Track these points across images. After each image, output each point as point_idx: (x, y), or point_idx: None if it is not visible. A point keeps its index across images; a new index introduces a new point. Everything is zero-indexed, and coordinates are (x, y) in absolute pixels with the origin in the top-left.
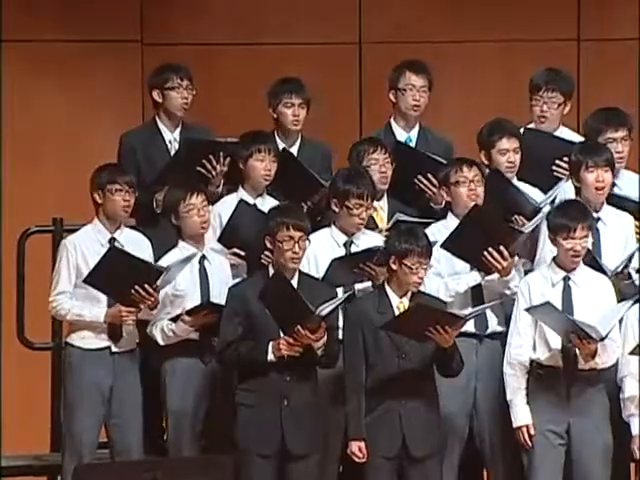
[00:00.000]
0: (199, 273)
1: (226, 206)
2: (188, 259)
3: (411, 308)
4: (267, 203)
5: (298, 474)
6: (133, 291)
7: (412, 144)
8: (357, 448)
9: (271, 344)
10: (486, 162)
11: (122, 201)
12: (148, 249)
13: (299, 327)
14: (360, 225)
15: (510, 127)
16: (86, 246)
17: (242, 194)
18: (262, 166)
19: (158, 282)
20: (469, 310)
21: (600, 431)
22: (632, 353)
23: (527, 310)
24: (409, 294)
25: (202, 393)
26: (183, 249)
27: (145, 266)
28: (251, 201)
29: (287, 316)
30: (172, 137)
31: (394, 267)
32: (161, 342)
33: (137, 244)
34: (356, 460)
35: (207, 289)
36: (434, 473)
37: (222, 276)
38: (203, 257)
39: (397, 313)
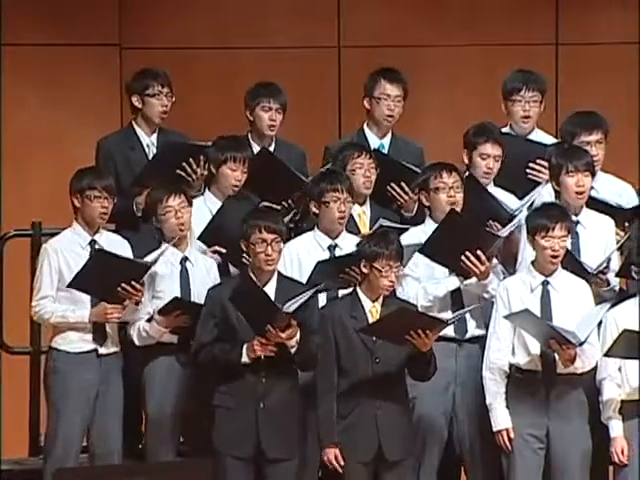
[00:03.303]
0: (180, 274)
1: (194, 209)
2: (158, 256)
3: (392, 312)
4: None
5: (275, 477)
6: (120, 289)
7: (385, 150)
8: (332, 455)
9: (245, 345)
10: (466, 162)
11: (100, 207)
12: (128, 252)
13: (269, 326)
14: (341, 220)
15: (496, 134)
16: (67, 250)
17: (208, 197)
18: (234, 175)
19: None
20: (450, 314)
21: (579, 435)
22: (607, 355)
23: (506, 317)
24: (381, 299)
25: (181, 396)
26: (166, 252)
27: (131, 263)
28: (217, 205)
29: (257, 316)
30: (150, 141)
31: (365, 270)
32: (137, 343)
33: (117, 247)
34: (331, 468)
35: (188, 291)
36: (409, 476)
37: (206, 278)
38: (185, 258)
39: (369, 317)
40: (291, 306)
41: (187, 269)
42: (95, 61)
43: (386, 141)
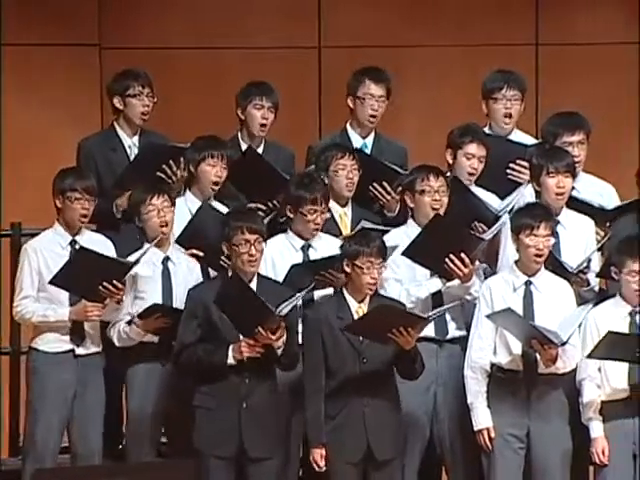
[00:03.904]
0: (162, 275)
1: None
2: (141, 255)
3: (373, 309)
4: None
5: (257, 477)
6: (101, 287)
7: (367, 150)
8: (319, 456)
9: (231, 347)
10: (450, 161)
11: (81, 209)
12: (111, 251)
13: (260, 328)
14: (315, 230)
15: (481, 134)
16: (47, 250)
17: (189, 198)
18: (213, 172)
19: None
20: (431, 312)
21: (559, 435)
22: (589, 356)
23: (488, 317)
24: (367, 299)
25: (162, 396)
26: (149, 250)
27: (112, 262)
28: (197, 204)
29: (247, 318)
30: (131, 142)
31: (347, 269)
32: (117, 343)
33: (100, 247)
34: (317, 469)
35: (170, 291)
36: (398, 476)
37: (189, 278)
38: (167, 258)
39: (356, 318)
40: (284, 309)
41: (169, 269)
42: (75, 61)
43: (369, 141)
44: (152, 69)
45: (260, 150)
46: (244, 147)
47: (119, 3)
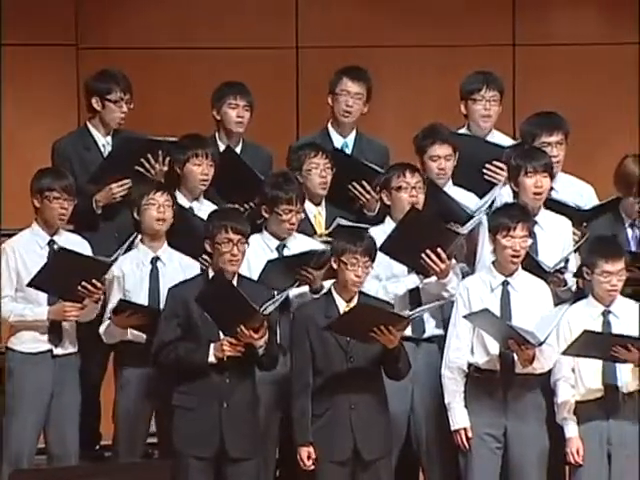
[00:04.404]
0: (150, 274)
1: None
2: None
3: (353, 308)
4: (204, 207)
5: (236, 477)
6: (81, 287)
7: (348, 149)
8: (306, 454)
9: (212, 346)
10: (420, 166)
11: (60, 209)
12: (88, 252)
13: (242, 327)
14: (290, 230)
15: (443, 133)
16: (25, 250)
17: (178, 197)
18: (199, 170)
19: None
20: (408, 313)
21: (536, 435)
22: (564, 353)
23: (465, 317)
24: (355, 298)
25: (150, 396)
26: (140, 249)
27: (93, 261)
28: (187, 205)
29: (229, 317)
30: (105, 141)
31: (335, 266)
32: (105, 341)
33: (77, 247)
34: (304, 467)
35: (157, 290)
36: (385, 475)
37: (181, 278)
38: (157, 258)
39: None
40: (268, 307)
41: (157, 269)
42: (52, 61)
43: (350, 140)
44: (130, 69)
45: (238, 150)
46: (222, 148)
47: (97, 3)
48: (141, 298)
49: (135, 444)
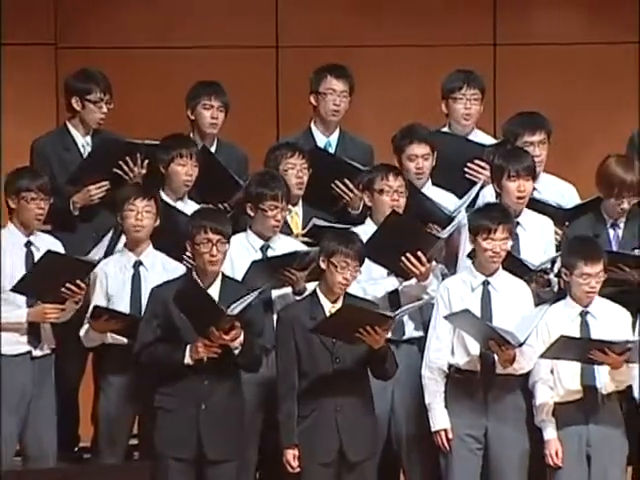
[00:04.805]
0: (132, 278)
1: None
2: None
3: (339, 310)
4: (188, 207)
5: (215, 479)
6: (64, 289)
7: (332, 148)
8: (292, 456)
9: (188, 347)
10: (398, 165)
11: (36, 209)
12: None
13: (212, 328)
14: (276, 227)
15: (421, 133)
16: (2, 250)
17: (163, 198)
18: (184, 170)
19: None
20: (397, 311)
21: (517, 436)
22: (542, 356)
23: (445, 317)
24: (341, 299)
25: (131, 398)
26: (123, 253)
27: (78, 263)
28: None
29: (201, 318)
30: (84, 141)
31: (323, 266)
32: (85, 344)
33: (52, 248)
34: (290, 470)
35: (139, 295)
36: (371, 476)
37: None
38: (139, 263)
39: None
40: (235, 308)
41: (140, 273)
42: (30, 61)
43: (333, 139)
44: (108, 68)
45: (212, 150)
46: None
47: (76, 2)
48: (123, 302)
49: (116, 446)
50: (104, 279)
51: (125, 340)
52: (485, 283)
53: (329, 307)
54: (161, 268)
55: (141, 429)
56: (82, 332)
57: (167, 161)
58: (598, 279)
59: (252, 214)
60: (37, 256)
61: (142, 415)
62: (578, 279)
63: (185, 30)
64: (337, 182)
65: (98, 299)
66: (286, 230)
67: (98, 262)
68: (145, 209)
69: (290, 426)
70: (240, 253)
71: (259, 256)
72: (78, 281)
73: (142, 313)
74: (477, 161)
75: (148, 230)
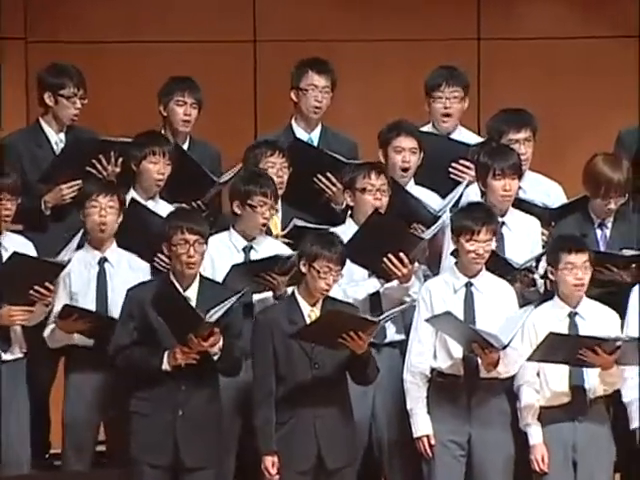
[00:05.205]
0: (97, 276)
1: None
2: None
3: (322, 315)
4: (159, 206)
5: None
6: (32, 291)
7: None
8: (270, 463)
9: (166, 353)
10: (383, 160)
11: (4, 210)
12: (32, 253)
13: (191, 335)
14: (263, 225)
15: (409, 126)
16: None
17: (133, 196)
18: (156, 169)
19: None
20: (380, 315)
21: (501, 441)
22: (530, 359)
23: (427, 320)
24: (320, 302)
25: (98, 402)
26: (87, 250)
27: (46, 264)
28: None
29: (179, 324)
30: (58, 138)
31: (304, 270)
32: (50, 345)
33: (21, 249)
34: (268, 477)
35: (104, 293)
36: None
37: (132, 280)
38: (104, 259)
39: (308, 322)
40: (214, 315)
41: (105, 270)
42: None
43: (315, 135)
44: (80, 63)
45: (185, 147)
46: None
47: None
48: (88, 301)
49: (83, 453)
50: (67, 277)
51: (91, 342)
52: (468, 284)
53: (308, 311)
54: (127, 265)
55: (108, 435)
56: (47, 332)
57: (139, 159)
58: (585, 270)
59: (239, 212)
60: (5, 257)
61: (109, 421)
62: (564, 272)
63: (159, 23)
64: (319, 176)
65: (61, 298)
66: (266, 231)
67: (67, 263)
68: (108, 205)
69: (268, 432)
70: (222, 253)
71: (241, 257)
72: (47, 283)
73: (108, 311)
74: (462, 161)
75: (112, 227)
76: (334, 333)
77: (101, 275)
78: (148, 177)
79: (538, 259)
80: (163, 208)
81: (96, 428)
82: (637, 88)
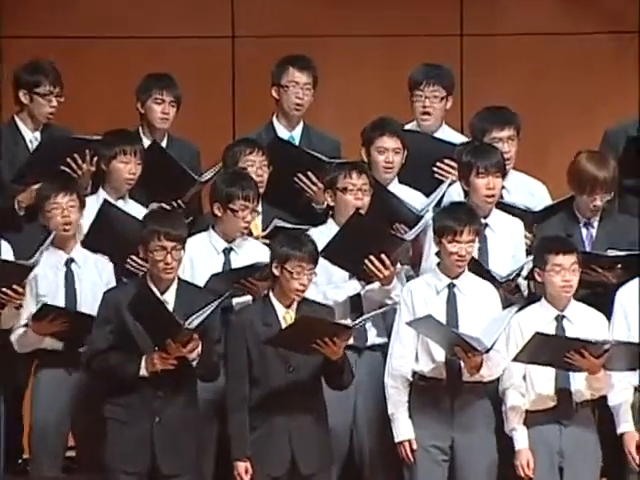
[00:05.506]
0: (65, 277)
1: (87, 209)
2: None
3: (296, 321)
4: (129, 206)
5: None
6: (1, 293)
7: (295, 143)
8: (243, 469)
9: (144, 359)
10: (366, 159)
11: None
12: (9, 254)
13: (170, 341)
14: (245, 228)
15: (393, 126)
16: None
17: (102, 196)
18: (127, 168)
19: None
20: (350, 321)
21: (485, 446)
22: (515, 359)
23: (408, 324)
24: (295, 304)
25: (68, 407)
26: (50, 253)
27: (13, 266)
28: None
29: (157, 330)
30: (33, 137)
31: (276, 273)
32: (17, 349)
33: None
34: None
35: (73, 294)
36: None
37: (98, 281)
38: (71, 260)
39: (283, 324)
40: (194, 321)
41: (72, 271)
42: None
43: (297, 133)
44: (56, 60)
45: (163, 145)
46: (146, 143)
47: None
48: (57, 302)
49: (53, 457)
50: (33, 280)
51: (60, 345)
52: (450, 286)
53: (283, 313)
54: (93, 266)
55: (77, 441)
56: (14, 336)
57: (109, 157)
58: (572, 272)
59: (219, 214)
60: None
61: (77, 426)
62: (551, 273)
63: (135, 19)
64: (300, 175)
65: (28, 301)
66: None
67: (35, 265)
68: (70, 205)
69: (241, 437)
70: (201, 255)
71: (221, 258)
72: (15, 286)
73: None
74: (447, 160)
75: (76, 226)
76: (308, 339)
77: (69, 276)
78: (118, 177)
79: (521, 268)
80: (133, 208)
81: (66, 433)
82: (637, 85)
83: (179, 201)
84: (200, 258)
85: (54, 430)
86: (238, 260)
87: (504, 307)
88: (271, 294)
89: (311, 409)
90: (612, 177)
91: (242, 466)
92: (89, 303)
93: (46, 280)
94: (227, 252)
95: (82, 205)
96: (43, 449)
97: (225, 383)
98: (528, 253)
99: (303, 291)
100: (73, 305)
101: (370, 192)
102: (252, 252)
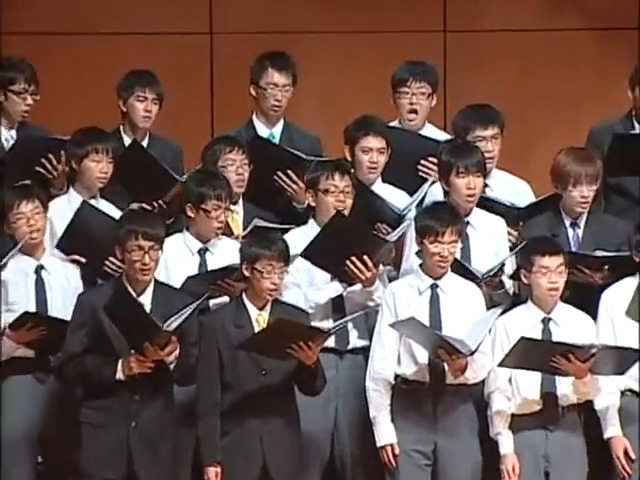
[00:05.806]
0: (35, 284)
1: (57, 210)
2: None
3: (270, 324)
4: (101, 206)
5: None
6: None
7: (276, 141)
8: (213, 474)
9: (120, 362)
10: (349, 158)
11: None
12: None
13: (148, 344)
14: (218, 229)
15: (378, 125)
16: None
17: (73, 195)
18: (98, 167)
19: None
20: (332, 324)
21: (468, 450)
22: (501, 365)
23: (391, 326)
24: (269, 306)
25: (38, 414)
26: (18, 260)
27: None
28: None
29: (135, 333)
30: (8, 135)
31: (247, 274)
32: None
33: None
34: None
35: (44, 301)
36: None
37: (67, 288)
38: (41, 267)
39: (256, 326)
40: (172, 324)
41: (43, 278)
42: None
43: (277, 130)
44: (31, 56)
45: (145, 144)
46: (127, 141)
47: None
48: (28, 310)
49: (22, 466)
50: (2, 288)
51: (31, 352)
52: (433, 286)
53: (255, 314)
54: (62, 273)
55: (43, 449)
56: None
57: (80, 156)
58: (559, 274)
59: (192, 215)
60: None
61: (44, 434)
62: (537, 275)
63: (112, 15)
64: (280, 174)
65: None
66: (226, 231)
67: (2, 269)
68: (34, 212)
69: (212, 442)
70: (176, 256)
71: (196, 259)
72: None
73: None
74: (432, 159)
75: (43, 232)
76: (283, 343)
77: (39, 283)
78: (90, 176)
79: (503, 264)
80: (105, 207)
81: (35, 439)
82: (623, 82)
83: (160, 201)
84: (175, 259)
85: (23, 439)
86: (214, 260)
87: (488, 308)
88: (244, 295)
89: (283, 413)
90: (595, 167)
91: (212, 471)
92: (59, 310)
93: (15, 288)
94: (202, 253)
95: (45, 209)
96: (14, 457)
97: (196, 386)
98: (512, 251)
99: (275, 290)
100: (44, 312)
101: (352, 194)
102: (228, 252)
